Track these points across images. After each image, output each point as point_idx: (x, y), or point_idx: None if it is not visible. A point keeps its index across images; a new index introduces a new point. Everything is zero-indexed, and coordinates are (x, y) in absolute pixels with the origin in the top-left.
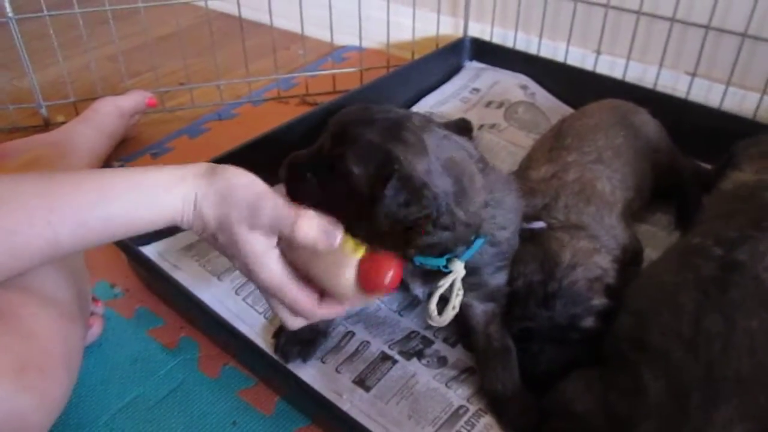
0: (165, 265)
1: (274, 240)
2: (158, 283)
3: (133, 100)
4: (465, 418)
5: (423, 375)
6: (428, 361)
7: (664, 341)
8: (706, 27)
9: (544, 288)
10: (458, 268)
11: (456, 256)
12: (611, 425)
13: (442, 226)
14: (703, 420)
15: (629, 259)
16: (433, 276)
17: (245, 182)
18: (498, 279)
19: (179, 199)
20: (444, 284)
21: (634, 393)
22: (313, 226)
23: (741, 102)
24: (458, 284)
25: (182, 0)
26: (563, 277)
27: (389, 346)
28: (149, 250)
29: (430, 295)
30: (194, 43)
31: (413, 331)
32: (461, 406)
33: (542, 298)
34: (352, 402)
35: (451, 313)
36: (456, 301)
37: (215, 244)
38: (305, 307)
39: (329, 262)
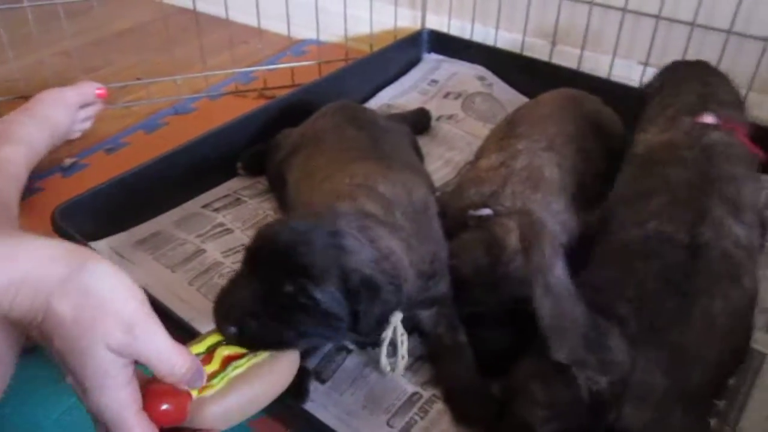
0: (118, 261)
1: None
2: None
3: (80, 91)
4: (419, 405)
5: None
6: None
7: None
8: (657, 17)
9: (491, 273)
10: (396, 317)
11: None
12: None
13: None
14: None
15: (578, 243)
16: None
17: (123, 296)
18: (436, 291)
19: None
20: (387, 335)
21: None
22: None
23: None
24: (400, 329)
25: None
26: (509, 261)
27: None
28: (101, 245)
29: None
30: (152, 39)
31: None
32: (415, 393)
33: (489, 283)
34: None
35: (402, 363)
36: (403, 349)
37: (50, 346)
38: None
39: None
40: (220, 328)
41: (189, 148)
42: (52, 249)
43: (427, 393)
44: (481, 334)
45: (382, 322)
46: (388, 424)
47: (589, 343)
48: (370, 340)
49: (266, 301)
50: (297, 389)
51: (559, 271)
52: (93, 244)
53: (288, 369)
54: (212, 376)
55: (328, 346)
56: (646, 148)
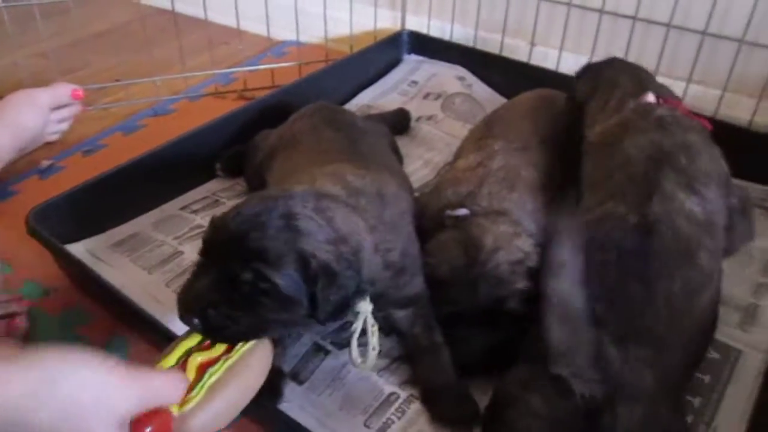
0: (94, 262)
1: None
2: (86, 281)
3: (53, 92)
4: (396, 405)
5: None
6: (361, 351)
7: None
8: (634, 18)
9: (468, 273)
10: (365, 308)
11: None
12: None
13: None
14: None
15: None
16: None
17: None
18: (409, 290)
19: None
20: (357, 327)
21: None
22: None
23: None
24: (370, 320)
25: None
26: (486, 261)
27: (322, 337)
28: (77, 248)
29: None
30: (130, 40)
31: (347, 321)
32: (392, 393)
33: (466, 283)
34: (285, 396)
35: (373, 354)
36: (374, 340)
37: None
38: None
39: None
40: (183, 321)
41: (167, 149)
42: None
43: (404, 393)
44: (459, 334)
45: (343, 308)
46: (365, 424)
47: (594, 359)
48: (344, 340)
49: (226, 290)
50: (271, 390)
51: (578, 301)
52: (69, 246)
53: (262, 365)
54: (190, 387)
55: (305, 348)
56: (600, 135)
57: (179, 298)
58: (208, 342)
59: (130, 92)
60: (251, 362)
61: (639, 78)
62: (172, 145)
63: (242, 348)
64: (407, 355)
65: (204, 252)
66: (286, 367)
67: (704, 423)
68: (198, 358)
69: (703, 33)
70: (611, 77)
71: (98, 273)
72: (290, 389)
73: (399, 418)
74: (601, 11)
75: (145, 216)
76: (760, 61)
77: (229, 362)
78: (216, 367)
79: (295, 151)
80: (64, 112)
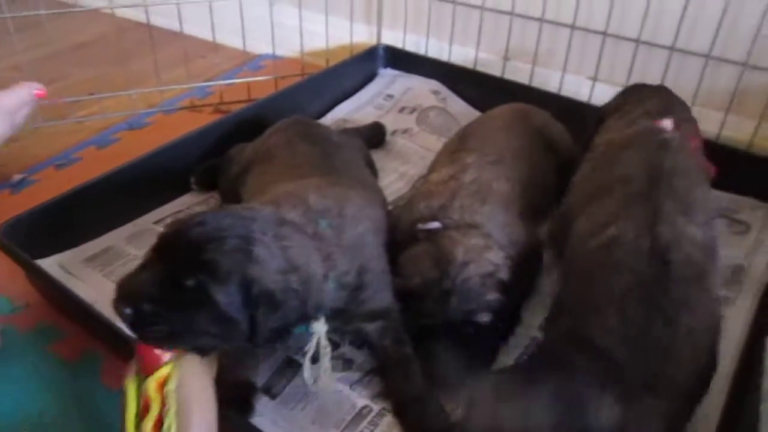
0: (66, 277)
1: None
2: (58, 297)
3: (16, 94)
4: (368, 419)
5: (327, 378)
6: (333, 364)
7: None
8: (604, 33)
9: (439, 285)
10: (318, 328)
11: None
12: None
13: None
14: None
15: (527, 256)
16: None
17: None
18: (373, 304)
19: None
20: (310, 346)
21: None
22: None
23: None
24: (323, 341)
25: (85, 8)
26: (457, 274)
27: (294, 352)
28: (48, 263)
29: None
30: (105, 53)
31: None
32: (365, 407)
33: (438, 296)
34: (257, 410)
35: (325, 375)
36: (325, 360)
37: None
38: None
39: None
40: (115, 309)
41: (141, 162)
42: None
43: (377, 406)
44: (430, 346)
45: (281, 333)
46: None
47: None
48: (317, 355)
49: (166, 290)
50: (243, 404)
51: None
52: (41, 261)
53: (202, 378)
54: (159, 422)
55: (278, 362)
56: (605, 145)
57: (118, 284)
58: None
59: (105, 105)
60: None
61: (669, 104)
62: (146, 158)
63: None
64: (379, 368)
65: (156, 248)
66: (259, 381)
67: None
68: (152, 383)
69: (671, 48)
70: (641, 97)
71: (70, 288)
72: (263, 404)
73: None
74: (572, 27)
75: (119, 230)
76: (726, 76)
77: (172, 385)
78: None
79: (269, 165)
80: (25, 110)
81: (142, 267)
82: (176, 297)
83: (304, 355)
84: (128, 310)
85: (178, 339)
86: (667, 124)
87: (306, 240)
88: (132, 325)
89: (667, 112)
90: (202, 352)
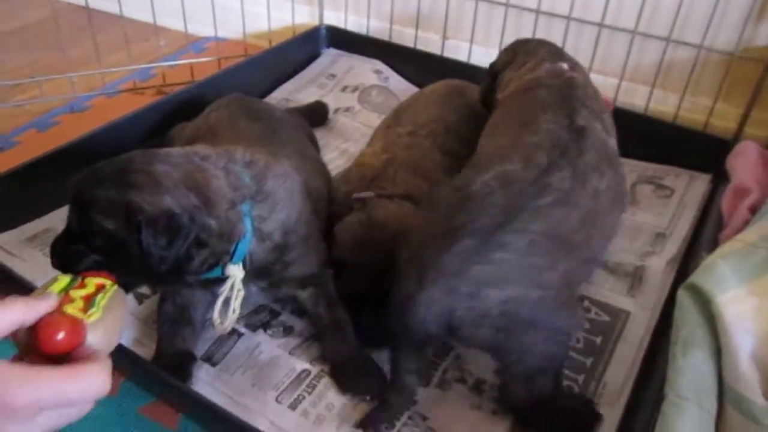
0: (6, 257)
1: None
2: None
3: None
4: (307, 381)
5: (267, 345)
6: (273, 332)
7: None
8: (536, 11)
9: (370, 252)
10: (234, 272)
11: (229, 262)
12: None
13: (203, 243)
14: None
15: None
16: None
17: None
18: (301, 269)
19: None
20: (223, 290)
21: None
22: None
23: None
24: (238, 285)
25: None
26: (388, 241)
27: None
28: None
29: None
30: (44, 38)
31: (261, 306)
32: (303, 370)
33: (370, 263)
34: (197, 377)
35: (232, 316)
36: (236, 303)
37: None
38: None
39: None
40: (53, 266)
41: (80, 143)
42: None
43: (315, 369)
44: (364, 311)
45: (209, 265)
46: (277, 400)
47: None
48: (257, 322)
49: (75, 234)
50: (180, 372)
51: None
52: None
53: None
54: (88, 299)
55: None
56: (512, 90)
57: (51, 245)
58: (81, 282)
59: (45, 89)
60: (121, 297)
61: (558, 52)
62: (85, 138)
63: (112, 287)
64: (316, 333)
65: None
66: (200, 350)
67: (595, 380)
68: (81, 292)
69: (600, 25)
70: (531, 48)
71: (10, 267)
72: (204, 371)
73: (309, 393)
74: (507, 5)
75: (60, 211)
76: (652, 52)
77: (110, 293)
78: (102, 294)
79: (212, 143)
80: None
81: (68, 223)
82: (83, 238)
83: (217, 297)
84: (55, 260)
85: (104, 267)
86: (564, 66)
87: (212, 168)
88: (62, 269)
89: (559, 55)
90: (125, 286)
